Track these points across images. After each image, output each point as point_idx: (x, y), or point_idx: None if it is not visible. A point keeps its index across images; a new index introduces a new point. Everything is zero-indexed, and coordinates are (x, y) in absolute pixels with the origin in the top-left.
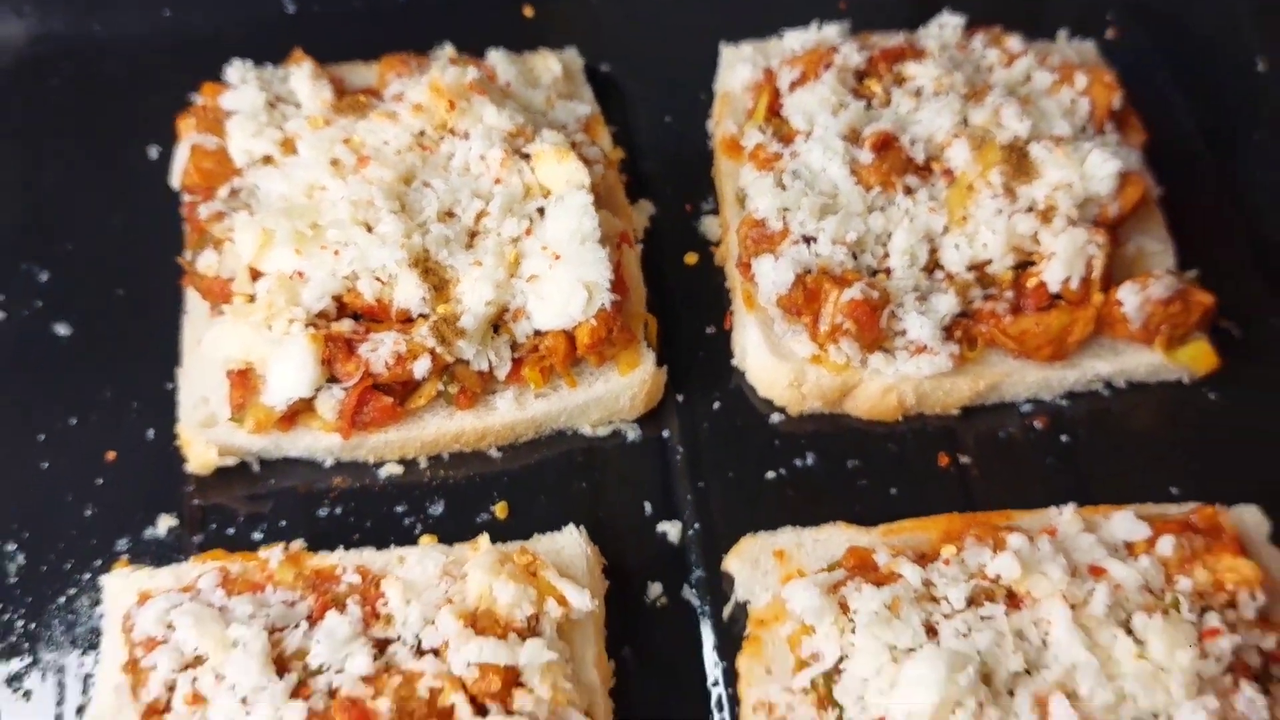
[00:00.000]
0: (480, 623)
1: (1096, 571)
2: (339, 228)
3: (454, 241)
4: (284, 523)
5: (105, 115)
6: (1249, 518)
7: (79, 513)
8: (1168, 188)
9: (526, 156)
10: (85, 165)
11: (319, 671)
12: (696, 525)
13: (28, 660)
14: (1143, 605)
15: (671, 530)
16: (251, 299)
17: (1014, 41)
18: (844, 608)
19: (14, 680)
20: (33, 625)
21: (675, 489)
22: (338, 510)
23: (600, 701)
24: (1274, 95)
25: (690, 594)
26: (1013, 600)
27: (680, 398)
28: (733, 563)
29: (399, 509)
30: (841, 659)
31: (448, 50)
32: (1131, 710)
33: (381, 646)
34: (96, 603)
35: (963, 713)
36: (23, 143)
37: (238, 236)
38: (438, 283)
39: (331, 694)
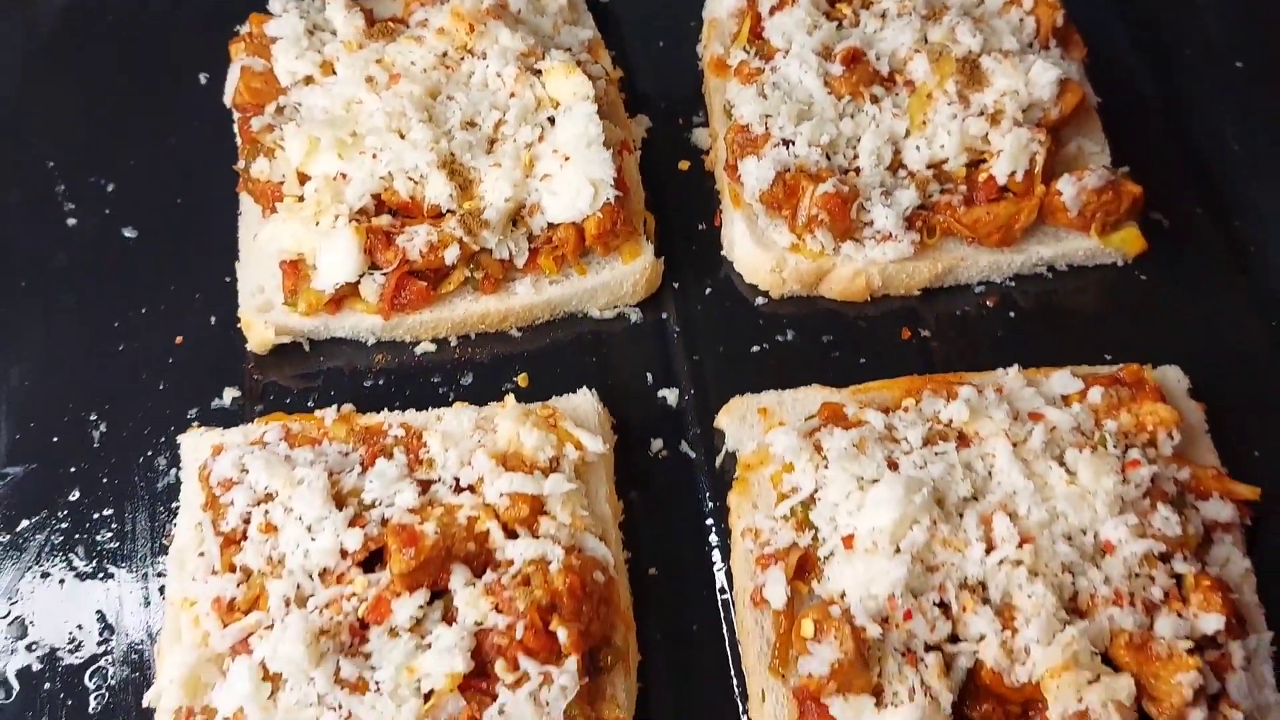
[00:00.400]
0: (509, 462)
1: (1035, 417)
2: (376, 135)
3: (476, 146)
4: (333, 393)
5: (158, 47)
6: (1171, 375)
7: (153, 387)
8: (1105, 97)
9: (538, 73)
10: (143, 92)
11: (372, 506)
12: (692, 391)
13: (113, 510)
14: (1074, 443)
15: (670, 396)
16: (300, 199)
17: None
18: (818, 449)
19: (102, 527)
20: (116, 481)
21: (673, 361)
22: (380, 382)
23: (612, 532)
24: (1202, 14)
25: (687, 447)
26: (962, 440)
27: (676, 284)
28: (723, 419)
29: (434, 380)
30: (816, 490)
31: None
32: (1063, 526)
33: (425, 486)
34: (173, 462)
35: (918, 529)
36: (85, 75)
37: (287, 145)
38: (463, 182)
39: (383, 523)
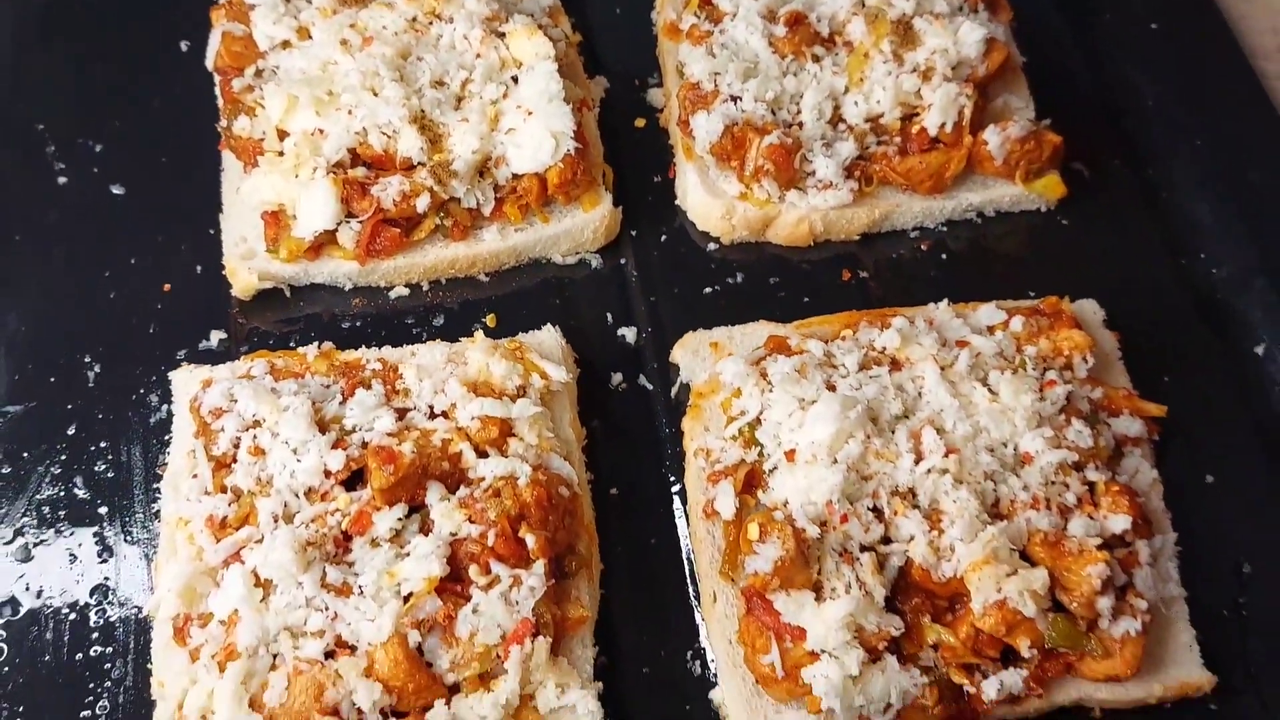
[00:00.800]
0: (479, 390)
1: (962, 344)
2: (351, 93)
3: (445, 104)
4: (314, 335)
5: (141, 17)
6: (1088, 308)
7: (143, 331)
8: (1030, 56)
9: (501, 35)
10: (128, 59)
11: (352, 431)
12: (649, 329)
13: (108, 444)
14: (997, 366)
15: (629, 334)
16: (280, 154)
17: None
18: (763, 375)
19: (99, 459)
20: (111, 417)
21: (631, 302)
22: (357, 324)
23: (575, 454)
24: None
25: (645, 380)
26: (895, 365)
27: (633, 232)
28: (678, 353)
29: (408, 322)
30: (761, 411)
31: None
32: (985, 439)
33: (401, 414)
34: (164, 399)
35: (853, 442)
36: (71, 44)
37: (267, 103)
38: (433, 137)
39: (363, 446)
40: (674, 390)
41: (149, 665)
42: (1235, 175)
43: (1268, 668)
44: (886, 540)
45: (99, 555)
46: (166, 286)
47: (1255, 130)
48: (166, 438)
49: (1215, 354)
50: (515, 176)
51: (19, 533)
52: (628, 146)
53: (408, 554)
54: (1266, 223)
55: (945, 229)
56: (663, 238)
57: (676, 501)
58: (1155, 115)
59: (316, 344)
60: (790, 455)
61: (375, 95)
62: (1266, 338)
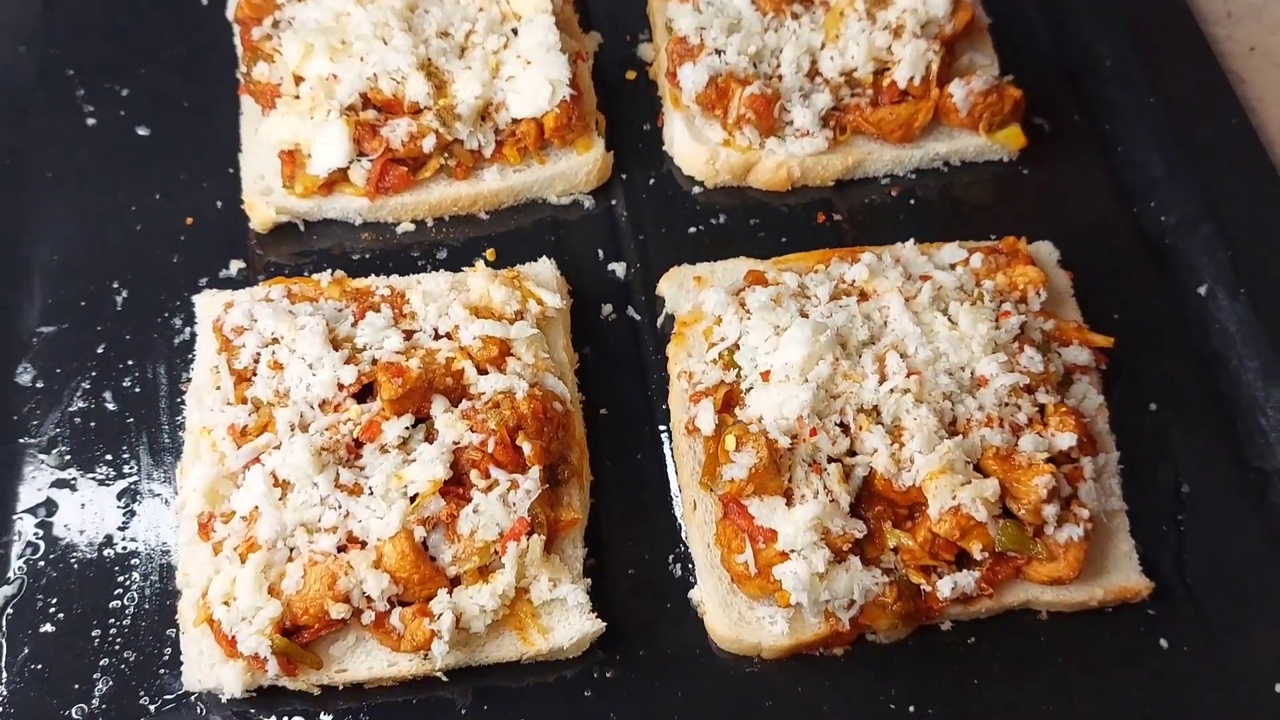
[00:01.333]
0: (480, 313)
1: (925, 278)
2: (362, 41)
3: (449, 52)
4: (326, 266)
5: None
6: (1044, 249)
7: (167, 260)
8: (995, 18)
9: None
10: (153, 10)
11: (363, 349)
12: (638, 265)
13: (135, 362)
14: (957, 298)
15: (619, 268)
16: (296, 98)
17: None
18: (742, 304)
19: (126, 376)
20: (138, 338)
21: (621, 240)
22: (367, 257)
23: (568, 376)
24: None
25: (633, 311)
26: (863, 296)
27: (624, 176)
28: (664, 286)
29: (413, 255)
30: (740, 337)
31: None
32: (944, 364)
33: (408, 335)
34: (187, 322)
35: (823, 364)
36: None
37: (285, 50)
38: (438, 83)
39: (373, 362)
40: (659, 320)
41: (173, 560)
42: (1184, 131)
43: (1203, 577)
44: (852, 453)
45: (127, 462)
46: (189, 220)
47: (1204, 90)
48: (189, 357)
49: (1161, 293)
50: (514, 121)
51: (54, 442)
52: (619, 96)
53: (414, 459)
54: (1211, 175)
55: (914, 176)
56: (651, 181)
57: (660, 420)
58: (1111, 74)
59: (330, 271)
60: (765, 376)
61: (385, 44)
62: (1209, 279)
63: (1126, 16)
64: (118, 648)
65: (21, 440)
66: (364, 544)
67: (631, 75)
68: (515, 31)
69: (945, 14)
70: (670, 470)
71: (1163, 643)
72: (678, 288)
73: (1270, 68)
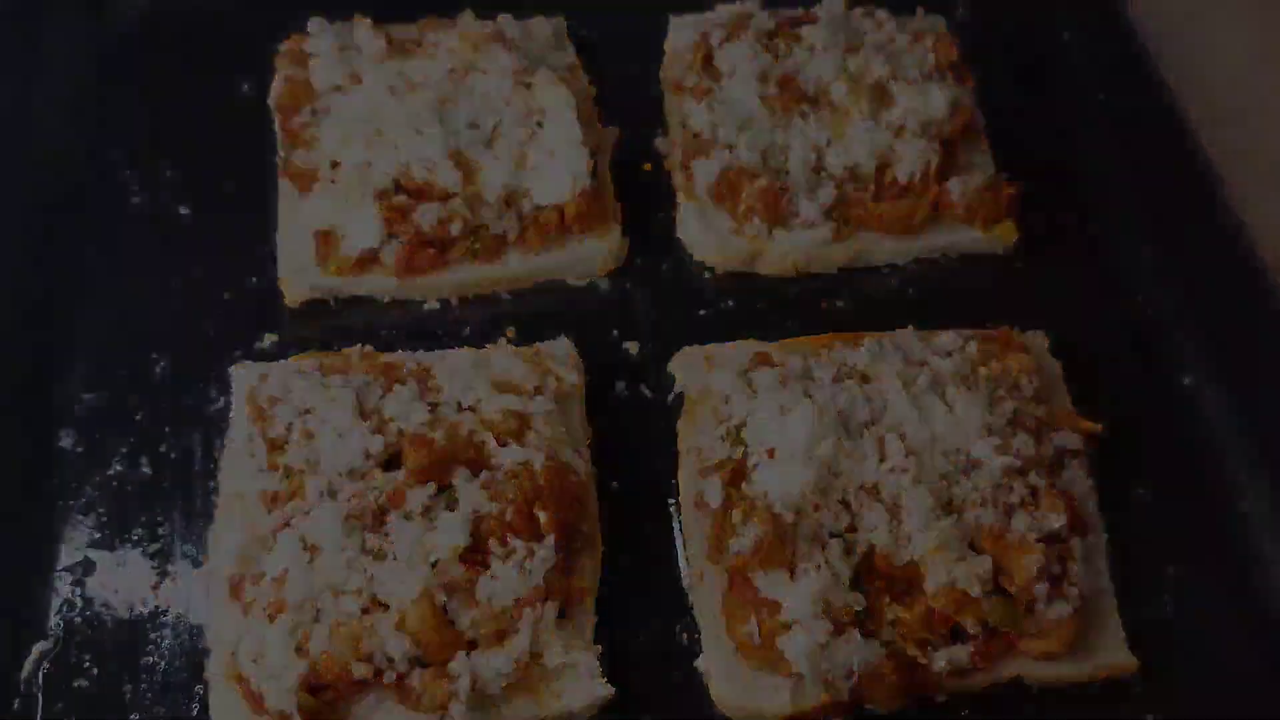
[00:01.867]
0: (501, 388)
1: (924, 364)
2: (397, 131)
3: (478, 143)
4: (354, 340)
5: (207, 61)
6: (1035, 339)
7: (205, 332)
8: (991, 120)
9: (529, 86)
10: (196, 97)
11: (390, 421)
12: (651, 344)
13: (171, 429)
14: (954, 384)
15: (632, 347)
16: (333, 182)
17: (882, 13)
18: (750, 385)
19: (162, 442)
20: (175, 406)
21: (635, 321)
22: (394, 333)
23: (583, 449)
24: (1071, 58)
25: (645, 389)
26: (864, 380)
27: (639, 260)
28: (675, 365)
29: (438, 332)
30: (747, 415)
31: (468, 13)
32: (942, 446)
33: (433, 407)
34: (222, 391)
35: (826, 443)
36: (150, 84)
37: (324, 136)
38: (467, 171)
39: (400, 433)
40: (670, 397)
41: (202, 619)
42: (1170, 229)
43: (1187, 657)
44: (853, 529)
45: (161, 524)
46: (226, 294)
47: (1189, 190)
48: (224, 425)
49: (1149, 383)
50: (538, 208)
51: (92, 504)
52: (636, 187)
53: (436, 527)
54: (1196, 271)
55: (913, 266)
56: (664, 266)
57: (670, 494)
58: (1101, 177)
59: (359, 346)
60: (771, 453)
61: (418, 134)
62: (1194, 371)
63: (1116, 120)
64: (148, 702)
65: (61, 503)
66: (387, 607)
67: (648, 167)
68: (540, 124)
69: (945, 116)
70: (678, 542)
71: (1149, 719)
72: (688, 367)
73: (1253, 170)
